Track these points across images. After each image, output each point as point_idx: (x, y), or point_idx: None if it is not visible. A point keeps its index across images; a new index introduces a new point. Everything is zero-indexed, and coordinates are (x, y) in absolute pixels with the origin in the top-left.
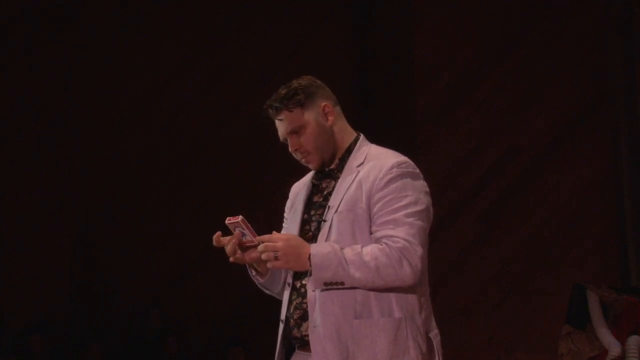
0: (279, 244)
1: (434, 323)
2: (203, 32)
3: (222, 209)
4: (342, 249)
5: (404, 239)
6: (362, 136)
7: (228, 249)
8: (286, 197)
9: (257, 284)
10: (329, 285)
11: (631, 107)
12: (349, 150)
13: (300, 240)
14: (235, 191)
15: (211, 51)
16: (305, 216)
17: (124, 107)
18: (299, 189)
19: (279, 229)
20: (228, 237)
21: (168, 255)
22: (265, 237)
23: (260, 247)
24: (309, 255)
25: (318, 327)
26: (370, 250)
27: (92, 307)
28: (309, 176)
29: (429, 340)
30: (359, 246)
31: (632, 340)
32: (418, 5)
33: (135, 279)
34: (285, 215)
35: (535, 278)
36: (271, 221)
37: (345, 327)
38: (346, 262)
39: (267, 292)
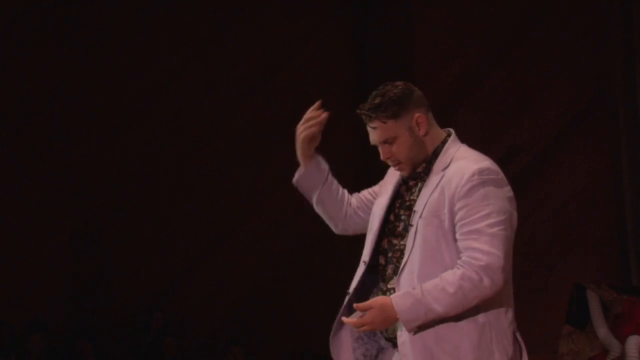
0: (362, 319)
1: (515, 322)
2: (203, 32)
3: (222, 209)
4: (423, 291)
5: (487, 252)
6: (451, 136)
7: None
8: (285, 197)
9: (293, 180)
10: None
11: (631, 107)
12: (435, 153)
13: (378, 305)
14: (236, 191)
15: (211, 51)
16: (395, 211)
17: (124, 107)
18: (394, 175)
19: (279, 227)
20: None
21: (168, 255)
22: (353, 322)
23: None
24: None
25: (403, 331)
26: (451, 280)
27: (91, 307)
28: None
29: (515, 342)
30: (438, 280)
31: (632, 340)
32: (418, 5)
33: (135, 279)
34: (377, 187)
35: (535, 278)
36: (271, 220)
37: (429, 334)
38: (432, 303)
39: (302, 191)
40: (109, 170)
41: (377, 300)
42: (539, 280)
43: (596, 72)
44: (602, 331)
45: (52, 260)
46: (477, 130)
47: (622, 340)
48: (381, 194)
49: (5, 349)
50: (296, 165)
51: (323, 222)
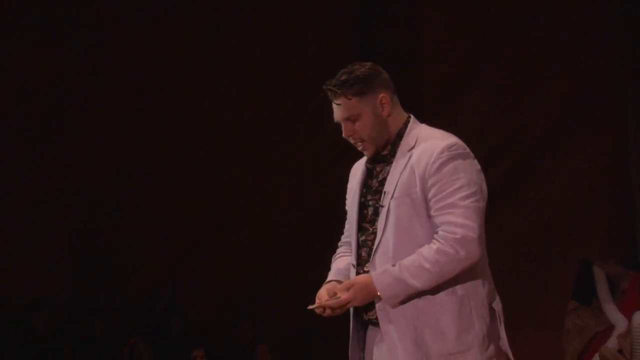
0: (344, 296)
1: (495, 292)
2: (203, 30)
3: (221, 208)
4: (401, 268)
5: (462, 225)
6: (412, 118)
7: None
8: (286, 197)
9: None
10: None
11: (639, 89)
12: (399, 135)
13: (361, 282)
14: (235, 190)
15: (211, 49)
16: (362, 199)
17: (124, 107)
18: (357, 172)
19: (282, 226)
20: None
21: (176, 231)
22: (333, 302)
23: (333, 311)
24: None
25: (384, 310)
26: (427, 255)
27: (97, 283)
28: (364, 158)
29: (492, 311)
30: (415, 256)
31: (638, 315)
32: (419, 5)
33: (141, 254)
34: (347, 196)
35: (535, 278)
36: (271, 218)
37: (410, 308)
38: (410, 279)
39: None
40: (113, 151)
41: (358, 278)
42: (539, 280)
43: (603, 55)
44: (608, 307)
45: (52, 260)
46: (476, 130)
47: (628, 315)
48: (349, 194)
49: (10, 325)
50: (296, 165)
51: (327, 201)
